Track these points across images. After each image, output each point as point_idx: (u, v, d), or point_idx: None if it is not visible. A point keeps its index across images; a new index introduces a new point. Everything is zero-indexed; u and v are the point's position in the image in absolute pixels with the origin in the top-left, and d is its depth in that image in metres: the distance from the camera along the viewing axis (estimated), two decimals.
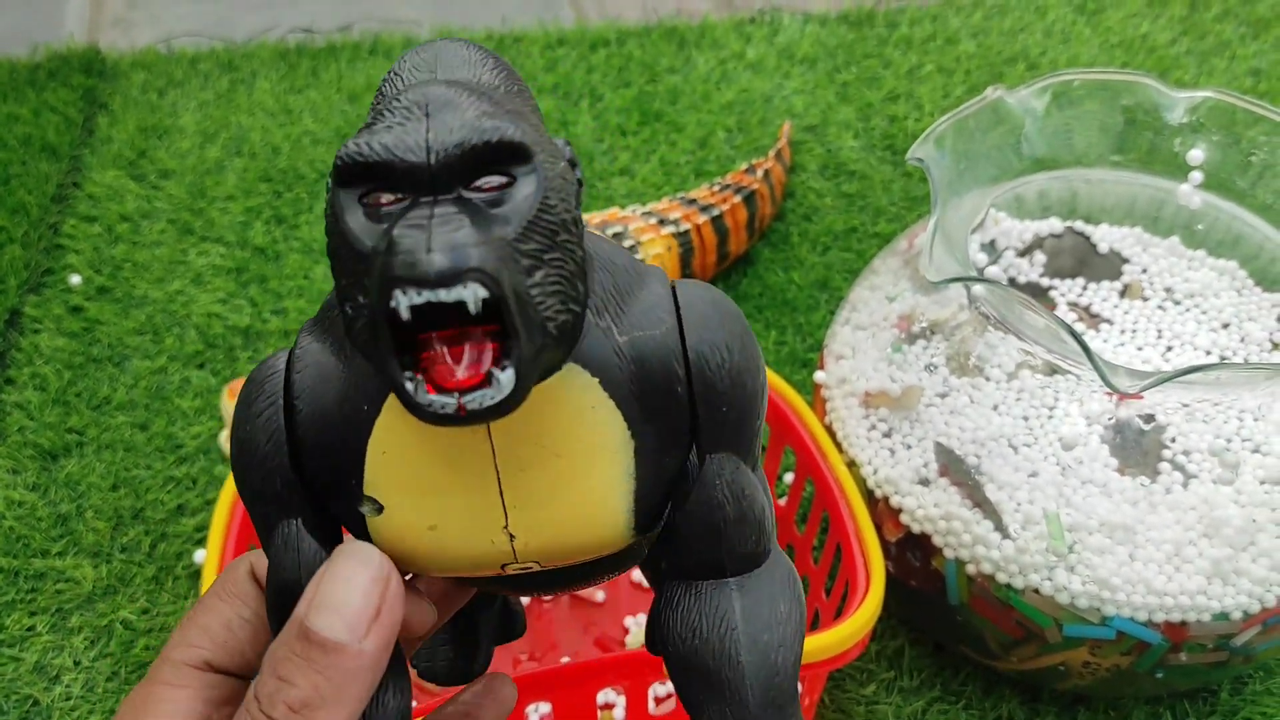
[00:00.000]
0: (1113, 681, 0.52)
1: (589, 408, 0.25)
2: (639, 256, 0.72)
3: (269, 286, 0.80)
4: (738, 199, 0.78)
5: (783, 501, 0.60)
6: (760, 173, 0.81)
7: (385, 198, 0.22)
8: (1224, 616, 0.49)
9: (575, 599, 0.62)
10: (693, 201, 0.77)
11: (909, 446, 0.54)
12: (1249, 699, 0.58)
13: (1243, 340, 0.58)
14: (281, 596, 0.26)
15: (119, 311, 0.78)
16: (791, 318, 0.78)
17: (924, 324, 0.57)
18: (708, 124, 0.94)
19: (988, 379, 0.54)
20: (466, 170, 0.22)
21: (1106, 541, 0.49)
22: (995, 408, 0.54)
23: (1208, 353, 0.57)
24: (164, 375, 0.74)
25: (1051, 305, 0.60)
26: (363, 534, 0.26)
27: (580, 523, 0.26)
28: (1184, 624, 0.49)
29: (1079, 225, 0.62)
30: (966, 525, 0.51)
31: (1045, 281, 0.61)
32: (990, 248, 0.61)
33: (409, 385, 0.21)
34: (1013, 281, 0.61)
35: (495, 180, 0.22)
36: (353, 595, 0.24)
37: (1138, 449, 0.51)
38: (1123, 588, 0.48)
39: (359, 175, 0.22)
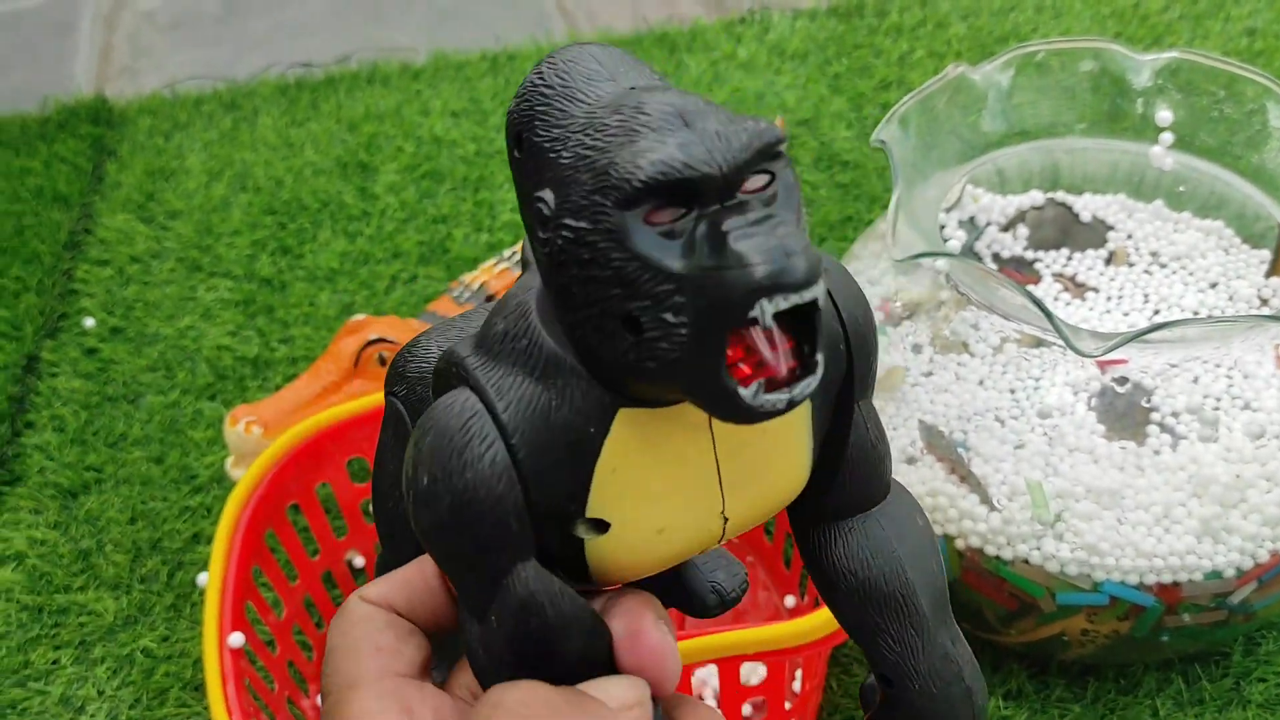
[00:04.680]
0: (1116, 648, 0.52)
1: None
2: None
3: (276, 316, 0.82)
4: None
5: None
6: None
7: (667, 214, 0.22)
8: (1217, 575, 0.48)
9: None
10: None
11: (894, 427, 0.54)
12: (1262, 659, 0.57)
13: (1230, 299, 0.58)
14: (525, 646, 0.25)
15: (132, 350, 0.80)
16: None
17: (904, 305, 0.57)
18: None
19: (973, 355, 0.54)
20: (748, 174, 0.22)
21: (1094, 507, 0.49)
22: (981, 382, 0.54)
23: (1195, 313, 0.57)
24: (177, 409, 0.75)
25: (1037, 278, 0.60)
26: (567, 558, 0.26)
27: (778, 487, 0.27)
28: (1176, 584, 0.48)
29: (1060, 196, 0.62)
30: (953, 500, 0.51)
31: (1030, 255, 0.61)
32: (970, 224, 0.61)
33: (745, 392, 0.22)
34: (996, 257, 0.61)
35: (762, 179, 0.23)
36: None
37: (1124, 414, 0.51)
38: (1111, 552, 0.48)
39: (648, 196, 0.22)
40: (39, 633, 0.63)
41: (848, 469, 0.28)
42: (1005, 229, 0.62)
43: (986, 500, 0.50)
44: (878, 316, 0.58)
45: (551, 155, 0.24)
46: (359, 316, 0.67)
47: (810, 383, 0.22)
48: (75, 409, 0.76)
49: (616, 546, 0.26)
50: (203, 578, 0.56)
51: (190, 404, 0.76)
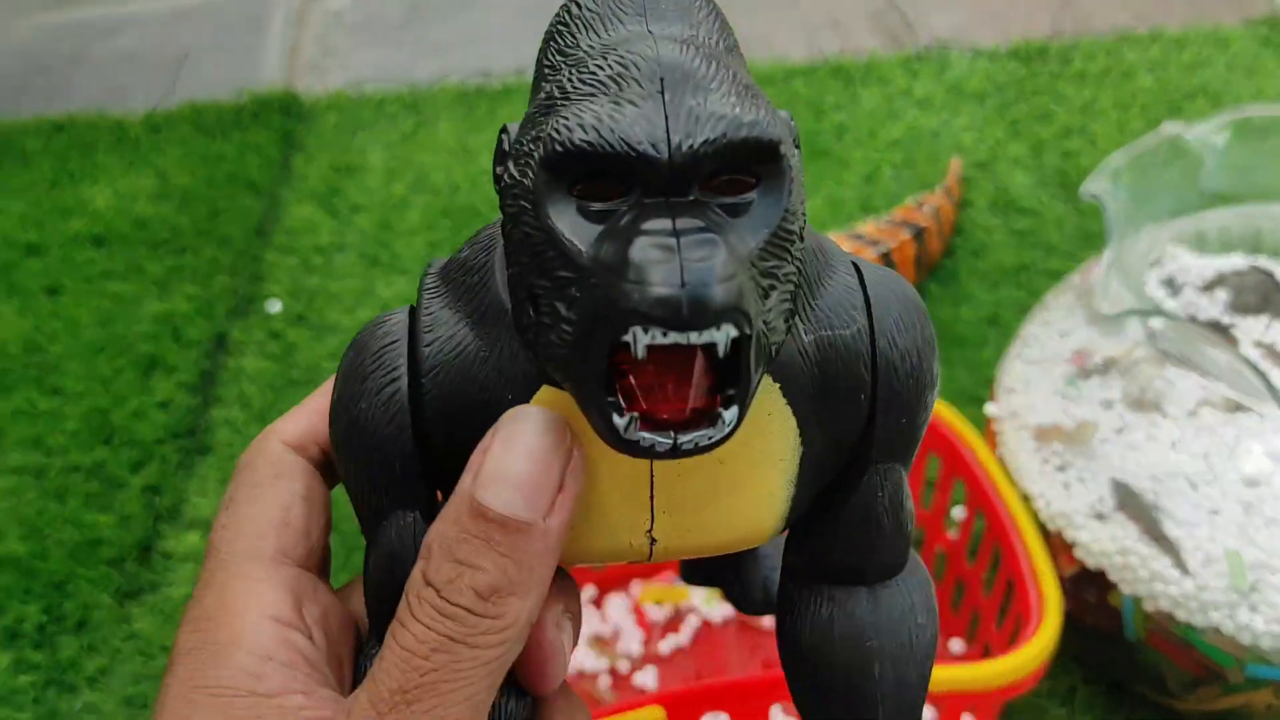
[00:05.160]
0: None
1: (765, 414, 0.22)
2: None
3: None
4: (906, 235, 0.79)
5: (953, 534, 0.60)
6: (929, 209, 0.82)
7: (599, 192, 0.19)
8: None
9: (743, 626, 0.63)
10: (860, 237, 0.79)
11: (1083, 481, 0.54)
12: None
13: None
14: (386, 593, 0.23)
15: (313, 337, 0.83)
16: (961, 353, 0.78)
17: (1099, 360, 0.56)
18: (874, 160, 0.95)
19: (1166, 416, 0.54)
20: (710, 170, 0.19)
21: None
22: (1173, 445, 0.53)
23: None
24: None
25: (1233, 343, 0.59)
26: None
27: (728, 527, 0.23)
28: None
29: (1263, 262, 0.61)
30: (1144, 561, 0.50)
31: (1226, 319, 0.60)
32: (1170, 284, 0.61)
33: (619, 420, 0.19)
34: (1193, 318, 0.60)
35: (737, 181, 0.19)
36: (532, 467, 0.21)
37: None
38: None
39: (576, 164, 0.19)
40: None
41: (841, 535, 0.24)
42: (1203, 290, 0.61)
43: (1180, 564, 0.49)
44: (1068, 369, 0.58)
45: (539, 82, 0.22)
46: None
47: (710, 435, 0.19)
48: (260, 388, 0.79)
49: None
50: None
51: None
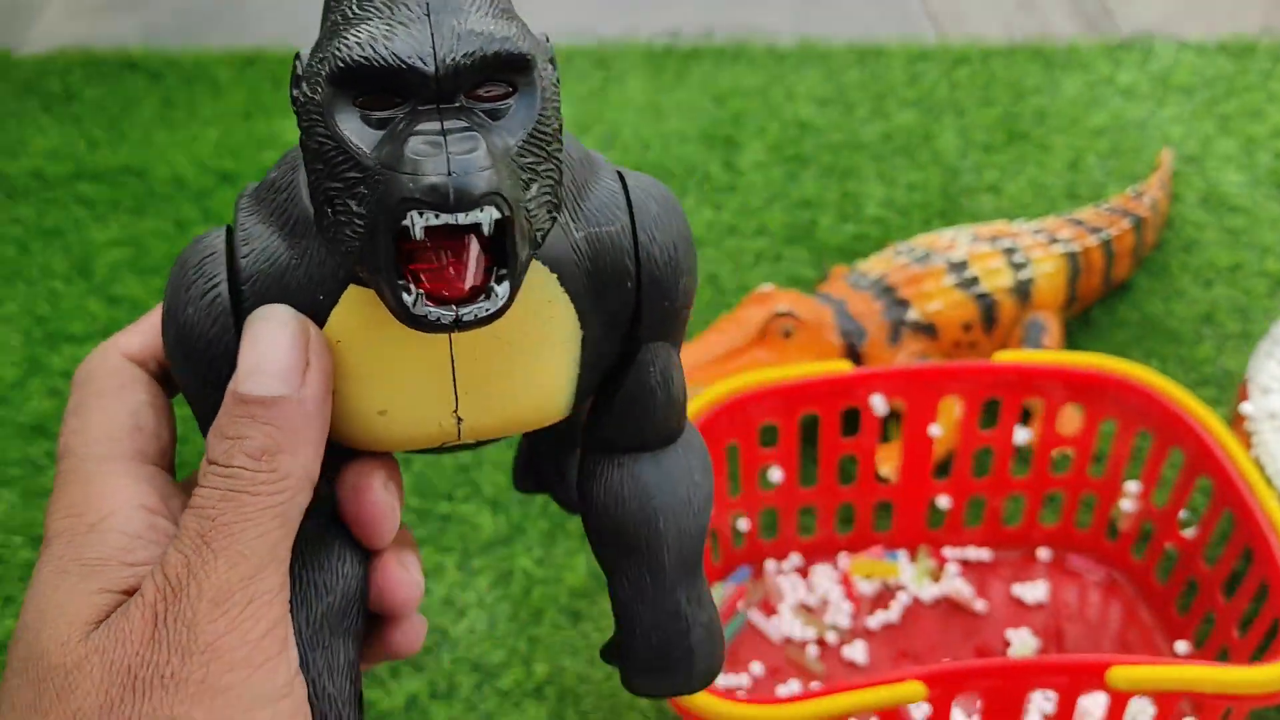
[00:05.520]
0: None
1: (546, 302, 0.26)
2: (1029, 274, 0.71)
3: None
4: (1127, 224, 0.77)
5: (1190, 534, 0.58)
6: (1148, 200, 0.79)
7: (378, 102, 0.22)
8: None
9: (955, 606, 0.62)
10: (1080, 223, 0.76)
11: None
12: None
13: None
14: None
15: None
16: (1174, 349, 0.75)
17: None
18: (1077, 147, 0.92)
19: None
20: (473, 80, 0.22)
21: None
22: None
23: None
24: None
25: None
26: None
27: (525, 406, 0.27)
28: None
29: None
30: None
31: None
32: None
33: (407, 298, 0.22)
34: None
35: (497, 89, 0.23)
36: (278, 353, 0.25)
37: None
38: None
39: (356, 78, 0.22)
40: (424, 535, 0.67)
41: (621, 406, 0.28)
42: None
43: None
44: None
45: (326, 17, 0.24)
46: (766, 287, 0.68)
47: (486, 307, 0.22)
48: None
49: (338, 417, 0.26)
50: None
51: None
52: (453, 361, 0.26)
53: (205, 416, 0.26)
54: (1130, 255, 0.77)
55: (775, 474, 0.62)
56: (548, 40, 0.25)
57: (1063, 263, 0.73)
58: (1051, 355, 0.57)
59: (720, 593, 0.63)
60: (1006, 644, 0.61)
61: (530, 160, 0.23)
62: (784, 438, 0.60)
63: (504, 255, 0.22)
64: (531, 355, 0.26)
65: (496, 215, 0.21)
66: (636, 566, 0.29)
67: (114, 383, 0.28)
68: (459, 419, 0.27)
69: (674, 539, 0.28)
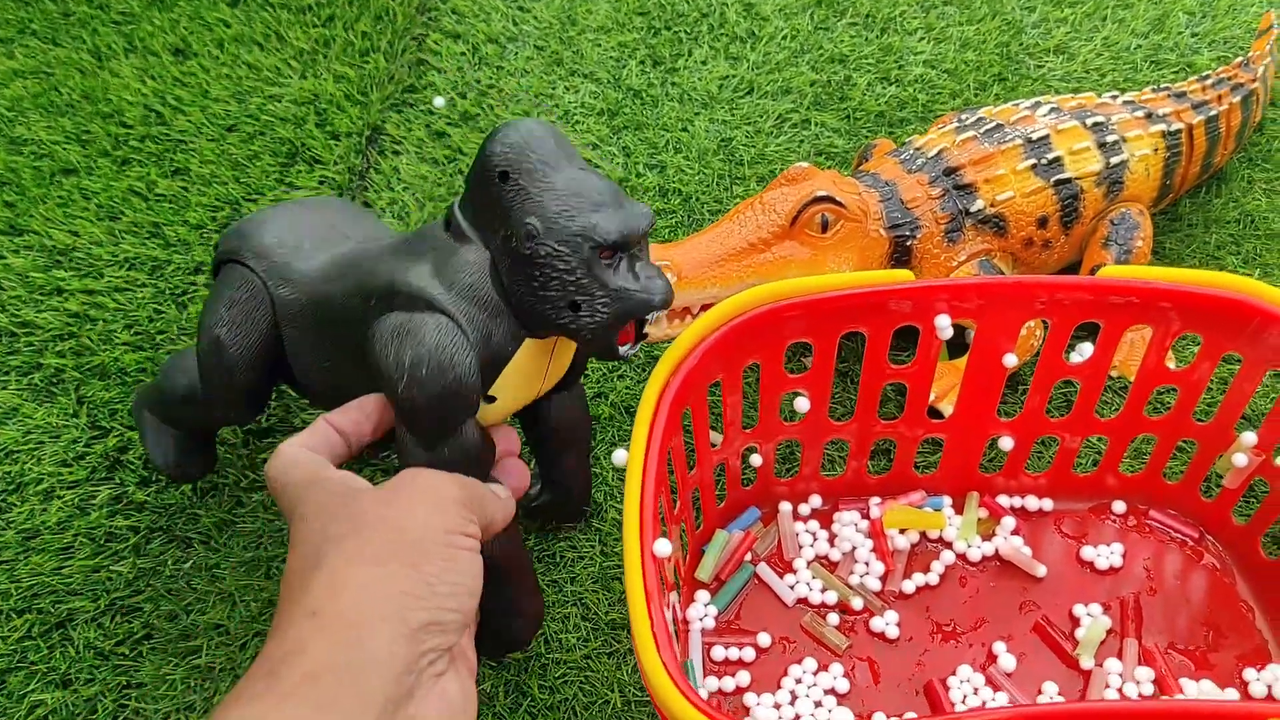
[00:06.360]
0: None
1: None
2: (1122, 157, 0.58)
3: (645, 136, 0.70)
4: (1235, 98, 0.63)
5: None
6: (1259, 69, 0.65)
7: (609, 252, 0.40)
8: None
9: (1009, 568, 0.51)
10: (1182, 95, 0.62)
11: None
12: None
13: None
14: (474, 464, 0.43)
15: (481, 142, 0.69)
16: (1278, 256, 0.62)
17: None
18: (1163, 3, 0.78)
19: None
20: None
21: None
22: None
23: None
24: None
25: None
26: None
27: (559, 376, 0.46)
28: None
29: None
30: None
31: None
32: None
33: (624, 350, 0.41)
34: None
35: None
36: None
37: None
38: None
39: (608, 245, 0.39)
40: None
41: (572, 376, 0.47)
42: None
43: None
44: None
45: (538, 198, 0.40)
46: (801, 165, 0.54)
47: (639, 345, 0.42)
48: (417, 197, 0.66)
49: (496, 409, 0.44)
50: (620, 455, 0.47)
51: None
52: (549, 365, 0.45)
53: (427, 435, 0.42)
54: (1235, 136, 0.64)
55: (802, 403, 0.49)
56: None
57: (1160, 144, 0.59)
58: (1175, 273, 0.44)
59: (723, 541, 0.51)
60: (1074, 621, 0.49)
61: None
62: (819, 361, 0.48)
63: (643, 321, 0.41)
64: (567, 356, 0.46)
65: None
66: (578, 453, 0.51)
67: (305, 457, 0.41)
68: (540, 391, 0.46)
69: (590, 441, 0.52)
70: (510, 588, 0.46)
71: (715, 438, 0.50)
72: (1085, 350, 0.48)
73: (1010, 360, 0.47)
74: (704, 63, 0.75)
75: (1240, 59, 0.67)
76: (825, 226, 0.52)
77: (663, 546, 0.40)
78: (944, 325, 0.46)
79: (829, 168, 0.68)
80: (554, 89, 0.73)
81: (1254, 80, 0.64)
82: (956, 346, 0.54)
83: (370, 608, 0.35)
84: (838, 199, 0.52)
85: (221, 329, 0.46)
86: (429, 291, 0.41)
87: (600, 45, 0.76)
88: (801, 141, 0.70)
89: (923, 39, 0.77)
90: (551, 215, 0.39)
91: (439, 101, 0.71)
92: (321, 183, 0.66)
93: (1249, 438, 0.48)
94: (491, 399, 0.43)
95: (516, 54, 0.75)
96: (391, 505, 0.38)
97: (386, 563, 0.36)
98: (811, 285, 0.45)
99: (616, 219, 0.39)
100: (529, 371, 0.43)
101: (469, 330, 0.40)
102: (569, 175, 0.40)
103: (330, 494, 0.38)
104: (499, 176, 0.40)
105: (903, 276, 0.45)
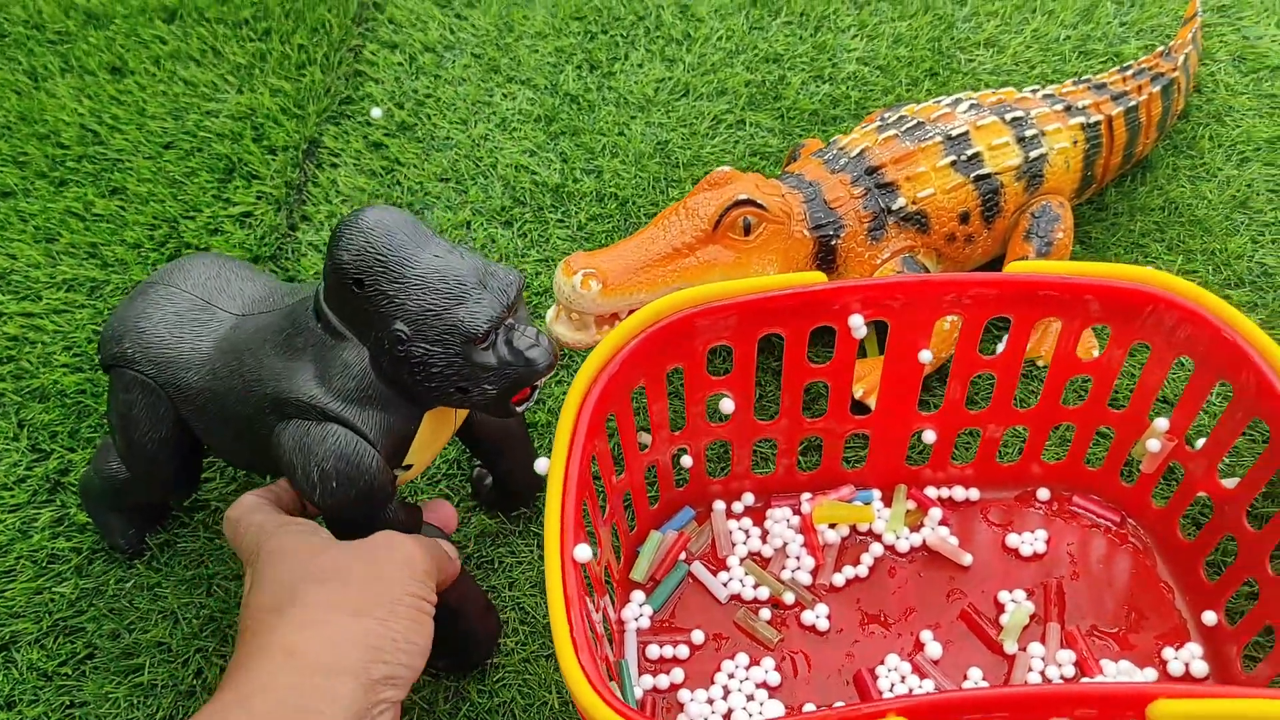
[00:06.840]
0: None
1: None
2: (1040, 150, 0.59)
3: (582, 141, 0.71)
4: (1155, 88, 0.64)
5: (1230, 484, 0.47)
6: (1180, 58, 0.67)
7: (485, 338, 0.41)
8: None
9: (937, 558, 0.52)
10: (1102, 87, 0.64)
11: None
12: None
13: None
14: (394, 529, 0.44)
15: (420, 153, 0.70)
16: (1201, 242, 0.64)
17: None
18: None
19: None
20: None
21: None
22: None
23: None
24: (467, 230, 0.66)
25: None
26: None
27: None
28: None
29: None
30: None
31: None
32: None
33: (520, 408, 0.43)
34: None
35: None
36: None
37: None
38: None
39: (482, 335, 0.40)
40: None
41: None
42: None
43: None
44: None
45: (399, 301, 0.40)
46: (724, 169, 0.55)
47: (535, 398, 0.44)
48: (357, 208, 0.66)
49: (414, 471, 0.46)
50: (542, 464, 0.47)
51: (482, 226, 0.66)
52: (455, 422, 0.46)
53: (355, 526, 0.44)
54: (1156, 126, 0.65)
55: (727, 404, 0.50)
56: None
57: (1079, 135, 0.60)
58: (1078, 267, 0.45)
59: (656, 541, 0.52)
60: (999, 608, 0.50)
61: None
62: (740, 364, 0.49)
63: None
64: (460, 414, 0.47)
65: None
66: (521, 450, 0.52)
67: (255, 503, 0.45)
68: (452, 432, 0.47)
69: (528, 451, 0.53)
70: (463, 619, 0.47)
71: (645, 439, 0.51)
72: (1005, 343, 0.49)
73: (925, 356, 0.48)
74: (640, 66, 0.76)
75: (1161, 49, 0.68)
76: (748, 229, 0.53)
77: (583, 552, 0.40)
78: (858, 325, 0.47)
79: (762, 168, 0.69)
80: (491, 96, 0.74)
81: (1175, 69, 0.66)
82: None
83: (342, 655, 0.38)
84: (759, 202, 0.53)
85: (131, 431, 0.46)
86: (319, 401, 0.41)
87: (537, 51, 0.77)
88: (737, 142, 0.71)
89: (856, 36, 0.78)
90: (415, 316, 0.39)
91: (376, 113, 0.72)
92: (259, 197, 0.67)
93: (1161, 424, 0.49)
94: (407, 467, 0.44)
95: (454, 62, 0.76)
96: (372, 564, 0.41)
97: (363, 616, 0.39)
98: (726, 290, 0.46)
99: (483, 306, 0.39)
100: (437, 430, 0.44)
101: (368, 431, 0.41)
102: (426, 266, 0.39)
103: (302, 538, 0.42)
104: (354, 284, 0.39)
105: (815, 279, 0.46)
